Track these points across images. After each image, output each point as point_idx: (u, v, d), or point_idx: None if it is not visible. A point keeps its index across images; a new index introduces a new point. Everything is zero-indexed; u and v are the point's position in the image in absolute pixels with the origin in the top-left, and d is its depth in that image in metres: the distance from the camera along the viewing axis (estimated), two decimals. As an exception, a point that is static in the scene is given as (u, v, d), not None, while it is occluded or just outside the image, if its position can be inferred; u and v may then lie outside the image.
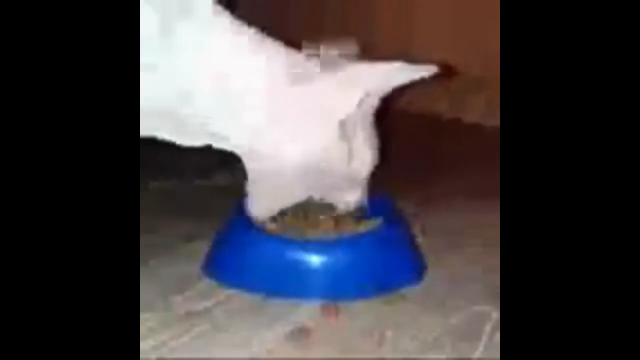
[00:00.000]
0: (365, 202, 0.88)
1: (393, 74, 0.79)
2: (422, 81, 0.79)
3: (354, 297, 0.82)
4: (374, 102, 0.82)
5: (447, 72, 0.85)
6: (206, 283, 0.86)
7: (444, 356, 0.71)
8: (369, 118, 0.84)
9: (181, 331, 0.75)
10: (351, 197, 0.86)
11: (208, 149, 0.81)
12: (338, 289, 0.83)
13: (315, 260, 0.83)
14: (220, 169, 1.20)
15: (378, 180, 0.89)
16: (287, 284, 0.83)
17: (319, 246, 0.84)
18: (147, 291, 0.81)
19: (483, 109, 1.63)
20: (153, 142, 0.78)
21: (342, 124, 0.79)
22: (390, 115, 0.93)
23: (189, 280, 0.86)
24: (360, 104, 0.79)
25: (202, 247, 0.92)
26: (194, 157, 0.98)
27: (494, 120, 1.52)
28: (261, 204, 0.85)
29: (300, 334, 0.74)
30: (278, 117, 0.78)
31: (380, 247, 0.87)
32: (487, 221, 1.02)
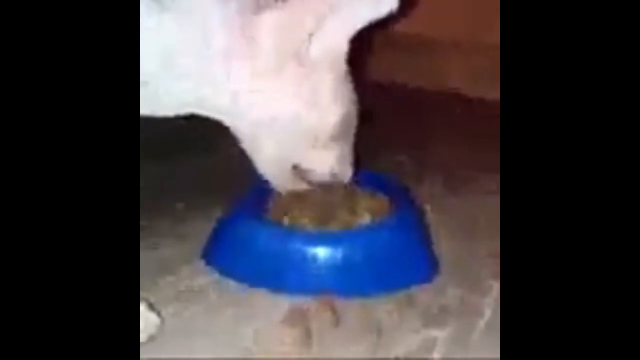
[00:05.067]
0: (349, 173, 0.82)
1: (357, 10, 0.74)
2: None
3: (351, 295, 0.77)
4: (342, 46, 0.76)
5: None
6: (199, 265, 0.84)
7: (443, 333, 0.72)
8: (340, 66, 0.78)
9: (173, 311, 0.74)
10: (323, 159, 0.80)
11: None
12: (334, 283, 0.78)
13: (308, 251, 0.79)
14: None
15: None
16: (281, 275, 0.79)
17: (316, 238, 0.81)
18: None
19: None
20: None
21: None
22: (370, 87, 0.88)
23: (181, 262, 0.84)
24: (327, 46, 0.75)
25: (195, 229, 0.90)
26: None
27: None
28: (267, 160, 0.79)
29: (295, 314, 0.74)
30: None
31: (384, 243, 0.81)
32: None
